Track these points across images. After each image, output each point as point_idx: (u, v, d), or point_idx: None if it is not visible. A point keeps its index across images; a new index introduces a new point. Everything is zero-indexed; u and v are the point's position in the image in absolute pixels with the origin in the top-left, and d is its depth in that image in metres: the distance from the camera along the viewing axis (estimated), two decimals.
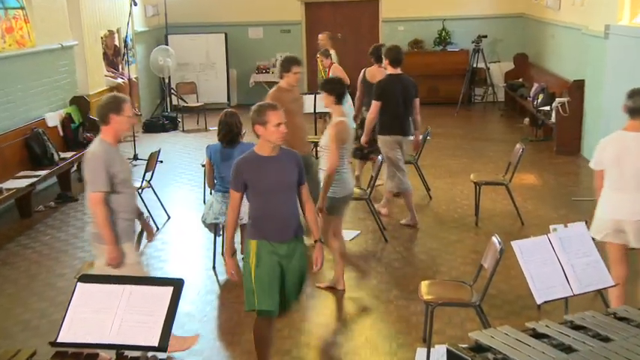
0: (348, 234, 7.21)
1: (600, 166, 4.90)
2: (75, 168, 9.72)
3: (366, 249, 6.93)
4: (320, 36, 11.08)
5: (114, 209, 4.48)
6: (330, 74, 9.53)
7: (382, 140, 7.39)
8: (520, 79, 13.52)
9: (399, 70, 7.38)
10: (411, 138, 7.58)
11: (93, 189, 4.41)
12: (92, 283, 3.34)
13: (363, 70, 8.72)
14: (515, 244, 3.90)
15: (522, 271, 3.85)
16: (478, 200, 7.54)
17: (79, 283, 3.33)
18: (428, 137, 8.64)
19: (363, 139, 7.59)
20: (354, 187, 7.38)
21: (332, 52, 10.65)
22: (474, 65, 13.96)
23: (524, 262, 3.83)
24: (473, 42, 13.92)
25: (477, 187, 7.50)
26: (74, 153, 9.19)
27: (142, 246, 5.11)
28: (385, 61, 7.50)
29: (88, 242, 7.22)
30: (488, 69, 14.00)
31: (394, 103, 7.28)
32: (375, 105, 7.29)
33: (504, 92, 14.10)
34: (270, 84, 14.55)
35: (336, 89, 5.68)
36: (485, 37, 14.04)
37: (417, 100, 7.46)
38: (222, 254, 6.73)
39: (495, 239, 4.56)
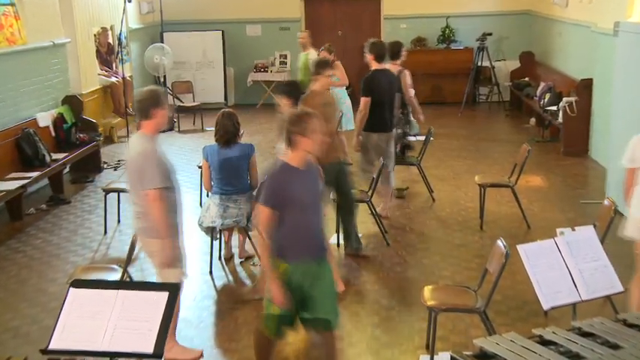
0: None
1: (633, 163, 4.90)
2: (67, 169, 9.72)
3: (365, 250, 6.92)
4: (301, 34, 11.07)
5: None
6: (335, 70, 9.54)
7: (368, 138, 7.52)
8: (526, 78, 13.52)
9: (383, 65, 7.57)
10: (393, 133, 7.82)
11: (150, 186, 4.49)
12: (85, 288, 3.34)
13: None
14: (521, 248, 3.90)
15: (528, 276, 3.85)
16: (483, 203, 7.54)
17: (71, 289, 3.33)
18: (431, 138, 8.65)
19: (354, 140, 7.61)
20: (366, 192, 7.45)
21: (312, 50, 10.69)
22: (479, 64, 13.96)
23: (531, 266, 3.83)
24: (477, 40, 13.92)
25: (482, 189, 7.50)
26: (66, 154, 9.19)
27: (136, 249, 5.11)
28: (370, 57, 7.63)
29: (81, 246, 7.24)
30: (493, 68, 14.00)
31: (382, 99, 7.44)
32: (364, 101, 7.40)
33: (510, 92, 14.11)
34: (269, 83, 14.65)
35: (293, 92, 5.98)
36: (490, 34, 14.04)
37: (399, 96, 7.80)
38: (220, 258, 6.74)
39: (500, 243, 4.56)
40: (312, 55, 10.52)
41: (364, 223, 7.61)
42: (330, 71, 6.53)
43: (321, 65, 6.52)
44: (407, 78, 8.43)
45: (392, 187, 7.94)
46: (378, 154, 7.40)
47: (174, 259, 4.70)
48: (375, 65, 7.53)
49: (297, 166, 4.09)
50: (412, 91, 8.55)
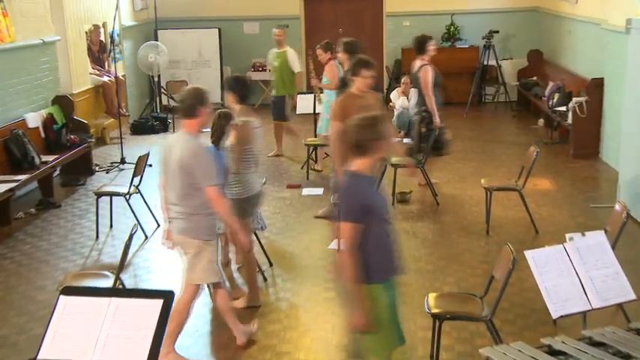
0: None
1: None
2: (57, 172, 9.72)
3: None
4: (277, 31, 10.92)
5: (204, 204, 4.76)
6: (326, 70, 9.51)
7: None
8: (534, 78, 13.53)
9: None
10: None
11: (211, 182, 4.72)
12: (75, 295, 3.33)
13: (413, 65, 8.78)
14: (529, 254, 3.89)
15: (537, 283, 3.84)
16: (489, 207, 7.54)
17: (61, 296, 3.32)
18: None
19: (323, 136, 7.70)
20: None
21: (289, 48, 10.67)
22: (485, 63, 13.97)
23: (539, 273, 3.83)
24: (483, 38, 13.93)
25: (488, 192, 7.50)
26: (56, 156, 9.19)
27: (129, 255, 5.12)
28: (345, 56, 7.76)
29: (71, 252, 7.24)
30: (500, 67, 14.01)
31: None
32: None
33: (517, 91, 14.11)
34: (267, 82, 14.66)
35: (239, 88, 5.77)
36: (497, 32, 14.05)
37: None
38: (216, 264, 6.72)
39: (508, 248, 4.56)
40: (290, 53, 10.52)
41: None
42: (367, 72, 6.25)
43: (360, 65, 6.31)
44: (426, 74, 8.33)
45: None
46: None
47: (215, 261, 4.95)
48: (349, 65, 7.61)
49: (369, 175, 3.99)
50: (431, 89, 8.38)
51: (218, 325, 5.68)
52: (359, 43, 8.35)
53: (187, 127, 4.81)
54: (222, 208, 4.82)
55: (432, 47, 8.45)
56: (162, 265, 6.87)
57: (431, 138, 8.36)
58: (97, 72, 12.21)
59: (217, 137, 6.20)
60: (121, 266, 5.17)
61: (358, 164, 3.96)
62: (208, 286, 6.35)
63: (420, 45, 8.41)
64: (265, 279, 6.44)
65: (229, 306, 5.24)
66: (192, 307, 5.11)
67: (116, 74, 11.98)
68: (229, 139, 5.73)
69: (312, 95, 10.30)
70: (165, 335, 4.33)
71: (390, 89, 13.67)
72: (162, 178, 5.04)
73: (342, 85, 7.58)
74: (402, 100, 11.98)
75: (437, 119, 8.48)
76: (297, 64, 10.60)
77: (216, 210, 4.81)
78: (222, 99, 14.67)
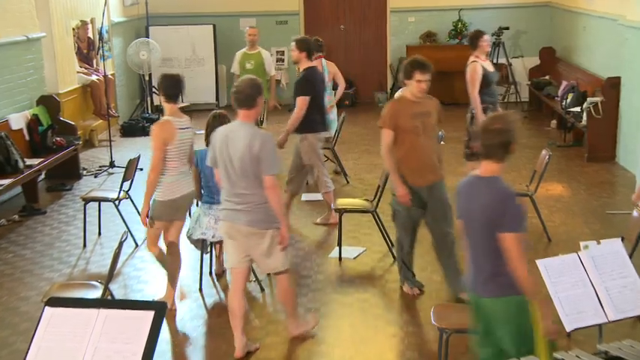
0: (351, 251, 7.22)
1: None
2: (43, 176, 9.72)
3: (373, 268, 6.93)
4: (251, 30, 10.68)
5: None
6: (326, 69, 9.43)
7: (310, 139, 7.78)
8: (546, 77, 13.55)
9: (314, 62, 8.00)
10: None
11: (274, 171, 5.01)
12: (62, 307, 3.33)
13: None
14: (541, 264, 3.89)
15: (549, 293, 3.84)
16: None
17: (46, 308, 3.32)
18: (442, 142, 8.64)
19: (280, 138, 7.75)
20: (364, 200, 7.44)
21: (260, 50, 10.46)
22: (494, 61, 13.98)
23: (552, 283, 3.83)
24: (493, 34, 13.94)
25: None
26: (41, 159, 9.19)
27: (119, 264, 5.12)
28: (302, 54, 7.89)
29: (57, 260, 7.23)
30: (510, 65, 14.03)
31: (319, 97, 7.86)
32: (303, 100, 7.67)
33: (528, 91, 14.13)
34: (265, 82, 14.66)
35: (165, 87, 5.90)
36: (507, 29, 14.08)
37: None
38: (210, 274, 6.73)
39: None
40: (265, 54, 10.43)
41: (368, 235, 7.61)
42: (421, 75, 5.80)
43: (414, 66, 5.83)
44: (472, 71, 8.18)
45: (327, 190, 8.02)
46: (311, 155, 7.78)
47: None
48: (308, 63, 7.86)
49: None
50: (476, 87, 8.17)
51: (213, 338, 5.68)
52: (314, 41, 8.45)
53: (246, 117, 5.07)
54: (278, 198, 5.08)
55: (484, 42, 8.36)
56: (154, 274, 6.86)
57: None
58: (85, 70, 12.23)
59: None
60: (110, 276, 5.17)
61: (495, 169, 4.01)
62: (202, 294, 6.35)
63: (472, 40, 8.40)
64: (262, 289, 6.44)
65: (294, 293, 5.55)
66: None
67: (105, 73, 11.99)
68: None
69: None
70: (290, 315, 5.46)
71: (395, 89, 13.68)
72: (216, 171, 5.22)
73: (309, 84, 7.76)
74: None
75: (481, 120, 8.25)
76: (272, 67, 10.57)
77: (271, 199, 5.02)
78: (217, 99, 14.73)
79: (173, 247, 6.05)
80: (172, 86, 5.92)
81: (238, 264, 5.22)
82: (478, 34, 8.40)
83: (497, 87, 8.68)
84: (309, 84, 7.75)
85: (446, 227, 6.10)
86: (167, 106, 5.92)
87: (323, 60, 9.44)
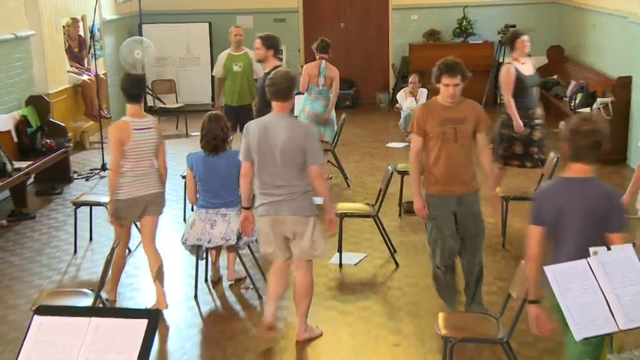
0: (352, 257, 7.22)
1: None
2: (32, 180, 9.72)
3: (374, 275, 6.93)
4: (237, 29, 10.23)
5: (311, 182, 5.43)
6: (323, 72, 9.34)
7: None
8: (554, 76, 13.55)
9: (279, 62, 8.15)
10: None
11: (320, 161, 5.41)
12: (51, 315, 3.33)
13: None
14: (549, 270, 3.89)
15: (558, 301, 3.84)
16: (505, 218, 7.55)
17: (35, 316, 3.32)
18: None
19: None
20: (364, 204, 7.44)
21: (247, 51, 9.95)
22: (500, 60, 13.99)
23: (560, 291, 3.83)
24: (499, 33, 13.96)
25: (504, 202, 7.51)
26: (30, 162, 9.18)
27: (109, 274, 5.13)
28: (268, 52, 7.95)
29: (47, 267, 7.23)
30: None
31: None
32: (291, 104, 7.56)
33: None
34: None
35: (126, 87, 6.05)
36: (514, 26, 14.04)
37: None
38: (206, 281, 6.73)
39: (525, 264, 4.55)
40: (252, 54, 9.87)
41: (370, 240, 7.61)
42: (448, 79, 5.56)
43: (441, 70, 5.60)
44: (505, 73, 8.09)
45: None
46: None
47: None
48: (273, 62, 7.88)
49: None
50: (510, 90, 8.07)
51: (209, 348, 5.68)
52: (320, 41, 8.42)
53: (282, 110, 5.37)
54: (324, 187, 5.48)
55: (522, 43, 8.17)
56: (148, 281, 6.86)
57: (512, 144, 8.18)
58: (76, 70, 12.23)
59: (207, 142, 6.23)
60: (102, 283, 5.18)
61: (587, 170, 4.14)
62: (198, 302, 6.36)
63: (509, 41, 8.27)
64: (260, 296, 6.44)
65: (312, 291, 5.68)
66: None
67: (97, 72, 12.01)
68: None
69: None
70: (302, 315, 5.63)
71: (397, 89, 13.69)
72: (245, 165, 5.41)
73: (262, 95, 6.86)
74: (409, 102, 12.02)
75: (517, 123, 8.06)
76: (260, 69, 10.06)
77: (319, 188, 5.42)
78: (212, 99, 14.72)
79: (147, 247, 6.24)
80: (133, 86, 6.07)
81: (283, 257, 5.53)
82: (516, 35, 8.22)
83: (536, 91, 8.38)
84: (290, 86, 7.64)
85: (475, 246, 5.91)
86: (128, 107, 6.06)
87: (323, 62, 9.32)
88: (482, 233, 5.96)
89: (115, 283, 6.36)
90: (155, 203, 6.16)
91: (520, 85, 8.05)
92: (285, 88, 5.30)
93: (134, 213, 6.09)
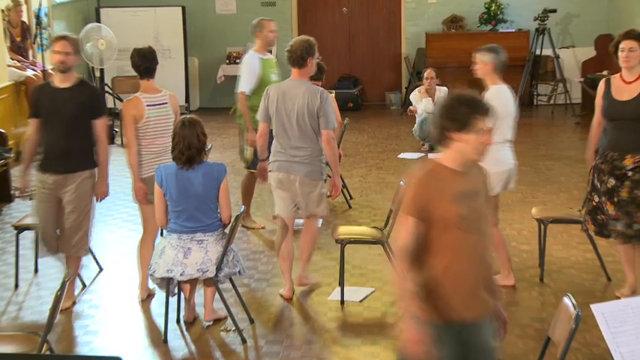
0: (357, 293, 7.21)
1: None
2: None
3: (384, 314, 6.92)
4: (268, 22, 9.57)
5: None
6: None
7: None
8: (604, 72, 13.58)
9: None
10: None
11: (333, 125, 6.79)
12: None
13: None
14: (598, 310, 3.90)
15: (608, 347, 3.85)
16: (543, 245, 7.54)
17: None
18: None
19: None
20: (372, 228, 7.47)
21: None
22: (538, 52, 14.05)
23: (612, 334, 3.84)
24: (536, 19, 14.03)
25: (543, 225, 7.51)
26: None
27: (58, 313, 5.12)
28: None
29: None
30: (558, 57, 14.08)
31: None
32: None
33: (581, 91, 14.17)
34: None
35: (135, 62, 7.16)
36: (554, 11, 14.14)
37: None
38: (178, 322, 6.72)
39: (569, 301, 4.56)
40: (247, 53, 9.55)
41: (378, 272, 7.61)
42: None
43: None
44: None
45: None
46: None
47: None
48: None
49: None
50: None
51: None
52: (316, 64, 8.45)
53: (299, 75, 6.77)
54: (334, 151, 6.88)
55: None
56: (107, 322, 6.86)
57: None
58: (18, 64, 12.25)
59: (180, 152, 6.19)
60: (50, 325, 5.16)
61: None
62: (168, 347, 6.37)
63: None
64: (244, 340, 6.43)
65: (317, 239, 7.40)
66: None
67: (44, 67, 12.02)
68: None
69: None
70: (305, 261, 7.24)
71: (410, 88, 13.68)
72: (263, 125, 6.92)
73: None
74: (425, 103, 11.82)
75: None
76: None
77: (327, 152, 6.80)
78: (186, 101, 14.74)
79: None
80: (146, 60, 7.13)
81: (289, 213, 6.98)
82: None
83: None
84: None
85: None
86: (140, 82, 7.17)
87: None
88: None
89: (146, 279, 7.06)
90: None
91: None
92: (300, 57, 6.70)
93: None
